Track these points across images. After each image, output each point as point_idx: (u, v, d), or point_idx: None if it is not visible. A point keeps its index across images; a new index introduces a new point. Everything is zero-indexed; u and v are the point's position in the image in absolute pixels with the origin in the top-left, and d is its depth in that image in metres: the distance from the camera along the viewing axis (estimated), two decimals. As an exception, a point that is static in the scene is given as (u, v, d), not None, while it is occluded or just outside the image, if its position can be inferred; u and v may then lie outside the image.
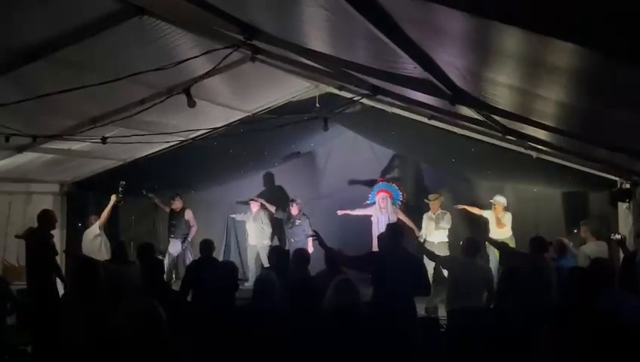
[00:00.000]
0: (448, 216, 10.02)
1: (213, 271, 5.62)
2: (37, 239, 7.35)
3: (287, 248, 10.34)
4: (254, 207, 10.94)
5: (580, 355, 3.77)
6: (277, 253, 6.72)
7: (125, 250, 6.65)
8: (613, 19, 2.09)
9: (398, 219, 10.12)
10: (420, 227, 10.14)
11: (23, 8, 4.26)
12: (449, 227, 9.97)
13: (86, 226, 9.22)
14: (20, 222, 8.42)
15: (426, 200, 10.32)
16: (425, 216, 10.16)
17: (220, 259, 11.01)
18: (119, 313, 3.20)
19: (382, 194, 10.46)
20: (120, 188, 9.14)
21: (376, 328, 4.04)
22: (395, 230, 6.37)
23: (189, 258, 10.07)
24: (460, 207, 10.28)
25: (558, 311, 4.39)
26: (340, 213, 10.48)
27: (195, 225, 10.53)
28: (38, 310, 6.26)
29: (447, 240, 9.86)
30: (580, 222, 8.52)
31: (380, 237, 6.56)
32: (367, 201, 10.64)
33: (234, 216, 11.44)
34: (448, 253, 9.21)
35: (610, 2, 2.01)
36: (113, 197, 9.10)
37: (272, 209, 10.91)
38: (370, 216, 10.38)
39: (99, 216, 9.18)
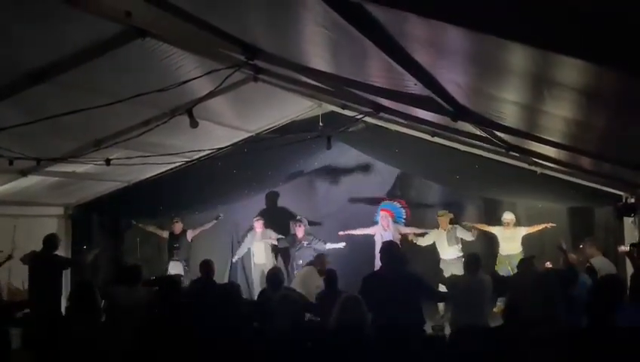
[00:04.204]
0: (459, 228, 9.97)
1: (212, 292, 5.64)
2: (41, 262, 7.42)
3: (291, 269, 10.36)
4: (258, 226, 10.91)
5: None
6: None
7: (139, 273, 6.63)
8: (617, 32, 2.09)
9: (402, 234, 10.14)
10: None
11: (27, 31, 4.29)
12: (465, 237, 9.90)
13: None
14: (25, 245, 8.41)
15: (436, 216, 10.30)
16: (433, 233, 10.11)
17: (226, 279, 11.01)
18: None
19: (383, 213, 10.46)
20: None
21: (381, 347, 4.02)
22: (389, 247, 6.40)
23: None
24: (470, 225, 10.23)
25: (575, 327, 4.35)
26: (341, 233, 10.44)
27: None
28: (42, 334, 6.22)
29: (461, 255, 9.66)
30: (585, 239, 8.46)
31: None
32: (374, 219, 10.64)
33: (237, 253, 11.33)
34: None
35: (613, 16, 2.01)
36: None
37: (274, 241, 10.85)
38: (373, 234, 10.35)
39: None
